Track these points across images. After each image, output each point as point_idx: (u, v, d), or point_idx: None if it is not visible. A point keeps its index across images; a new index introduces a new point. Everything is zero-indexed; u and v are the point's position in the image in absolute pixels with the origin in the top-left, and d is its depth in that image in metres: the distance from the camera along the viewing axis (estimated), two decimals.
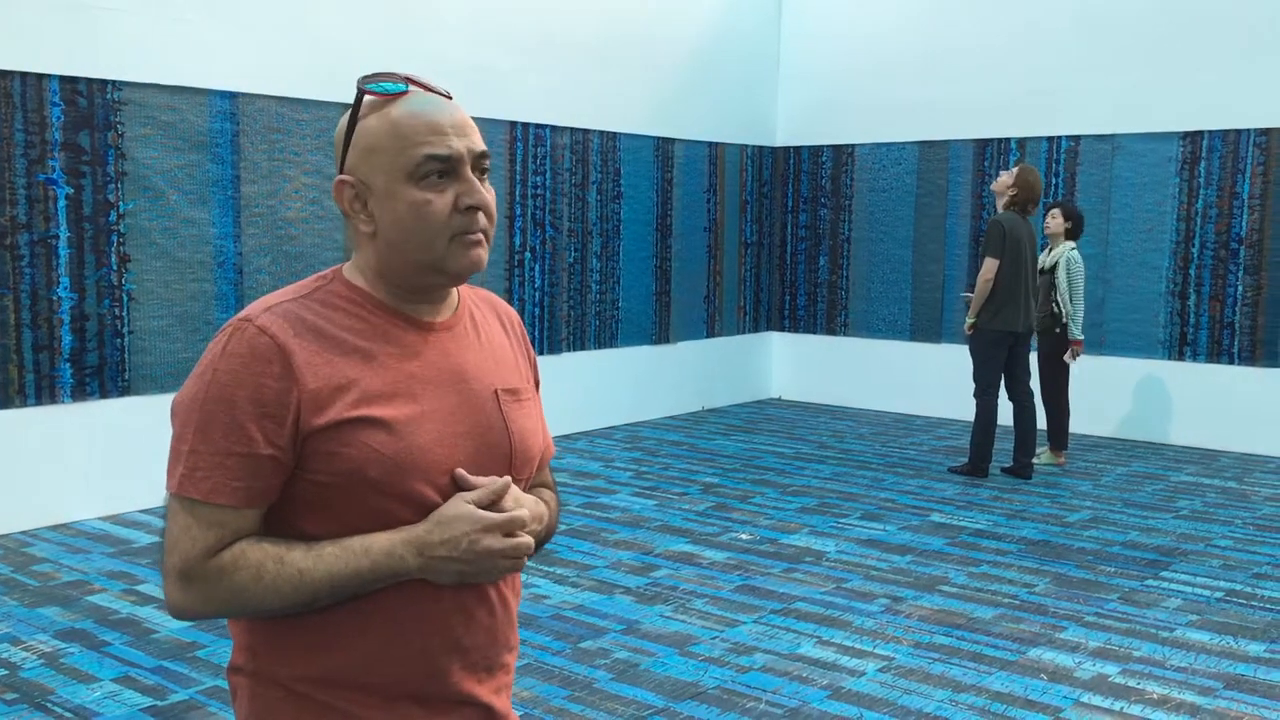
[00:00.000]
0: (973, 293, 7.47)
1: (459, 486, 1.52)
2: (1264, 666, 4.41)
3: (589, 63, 8.86)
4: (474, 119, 1.60)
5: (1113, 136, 8.98)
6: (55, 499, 6.13)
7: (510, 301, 7.87)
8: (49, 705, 3.93)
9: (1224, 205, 8.57)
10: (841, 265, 10.49)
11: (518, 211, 8.45)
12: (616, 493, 7.06)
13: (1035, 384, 7.75)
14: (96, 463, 6.26)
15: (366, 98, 1.54)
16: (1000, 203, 7.45)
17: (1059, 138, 9.22)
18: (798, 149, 10.70)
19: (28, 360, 5.99)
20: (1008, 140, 9.47)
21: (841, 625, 4.80)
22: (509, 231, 8.39)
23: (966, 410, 7.98)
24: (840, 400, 10.52)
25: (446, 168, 1.50)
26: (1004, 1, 9.44)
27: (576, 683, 4.16)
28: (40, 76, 5.95)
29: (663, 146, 9.56)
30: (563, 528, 6.06)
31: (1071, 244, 7.77)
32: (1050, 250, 7.81)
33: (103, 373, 6.27)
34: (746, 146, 10.50)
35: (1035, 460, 7.78)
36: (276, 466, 1.44)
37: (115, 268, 6.28)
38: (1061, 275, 7.65)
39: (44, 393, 6.06)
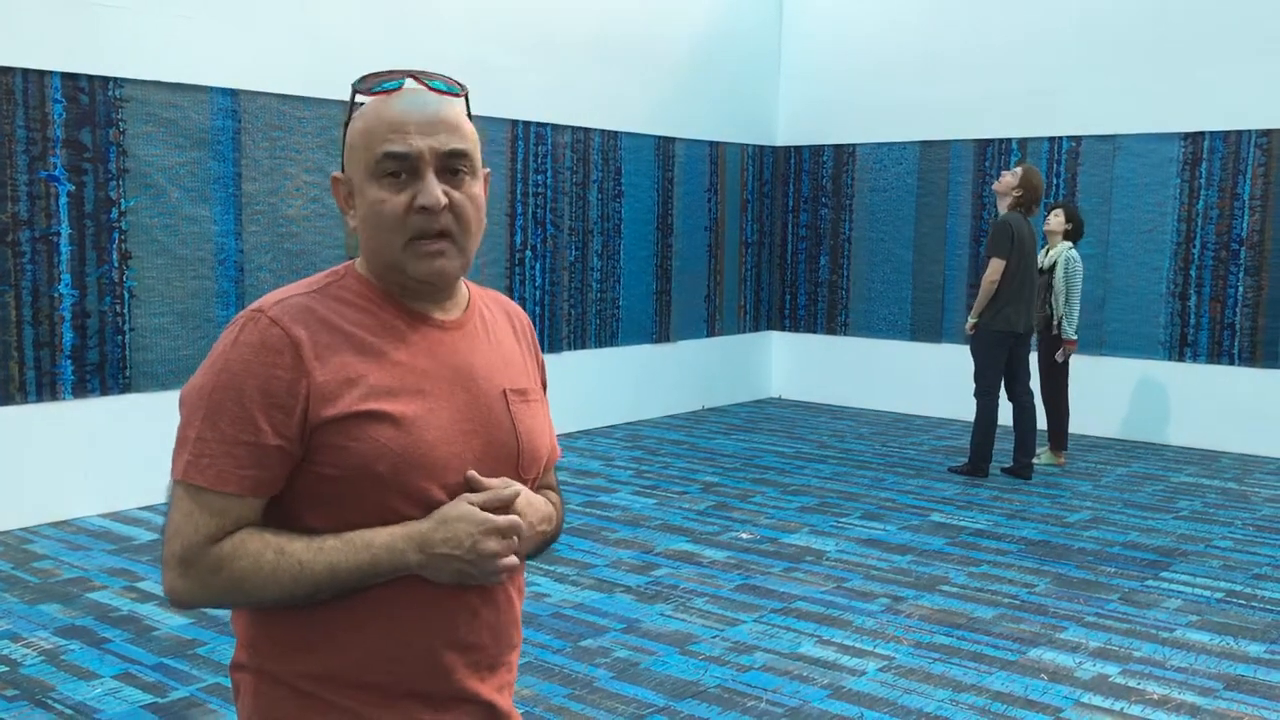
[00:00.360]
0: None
1: (470, 487, 1.53)
2: (1264, 667, 4.42)
3: (590, 61, 8.86)
4: (474, 117, 1.59)
5: (1114, 137, 8.98)
6: (56, 496, 6.13)
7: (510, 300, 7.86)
8: (49, 702, 3.93)
9: (1225, 206, 8.57)
10: (842, 265, 10.50)
11: (518, 210, 8.45)
12: (617, 491, 7.06)
13: (1035, 384, 7.76)
14: (97, 460, 6.26)
15: (368, 96, 1.55)
16: (1005, 203, 7.44)
17: (1060, 138, 9.22)
18: (798, 148, 10.70)
19: (29, 357, 5.99)
20: (1009, 140, 9.47)
21: (842, 625, 4.80)
22: (509, 230, 8.39)
23: (966, 410, 7.98)
24: (840, 400, 10.52)
25: (405, 167, 1.49)
26: (1005, 2, 9.44)
27: (577, 681, 4.16)
28: (42, 73, 5.95)
29: (664, 145, 9.56)
30: (564, 527, 6.05)
31: (1069, 244, 7.78)
32: (1048, 250, 7.82)
33: (104, 370, 6.27)
34: (747, 146, 10.50)
35: (1035, 460, 7.79)
36: (283, 457, 1.44)
37: (116, 265, 6.28)
38: (1059, 275, 7.65)
39: (45, 390, 6.06)
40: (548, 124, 8.58)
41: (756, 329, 10.84)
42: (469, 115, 1.60)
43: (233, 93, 6.69)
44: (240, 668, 1.57)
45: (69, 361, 6.14)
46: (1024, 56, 9.35)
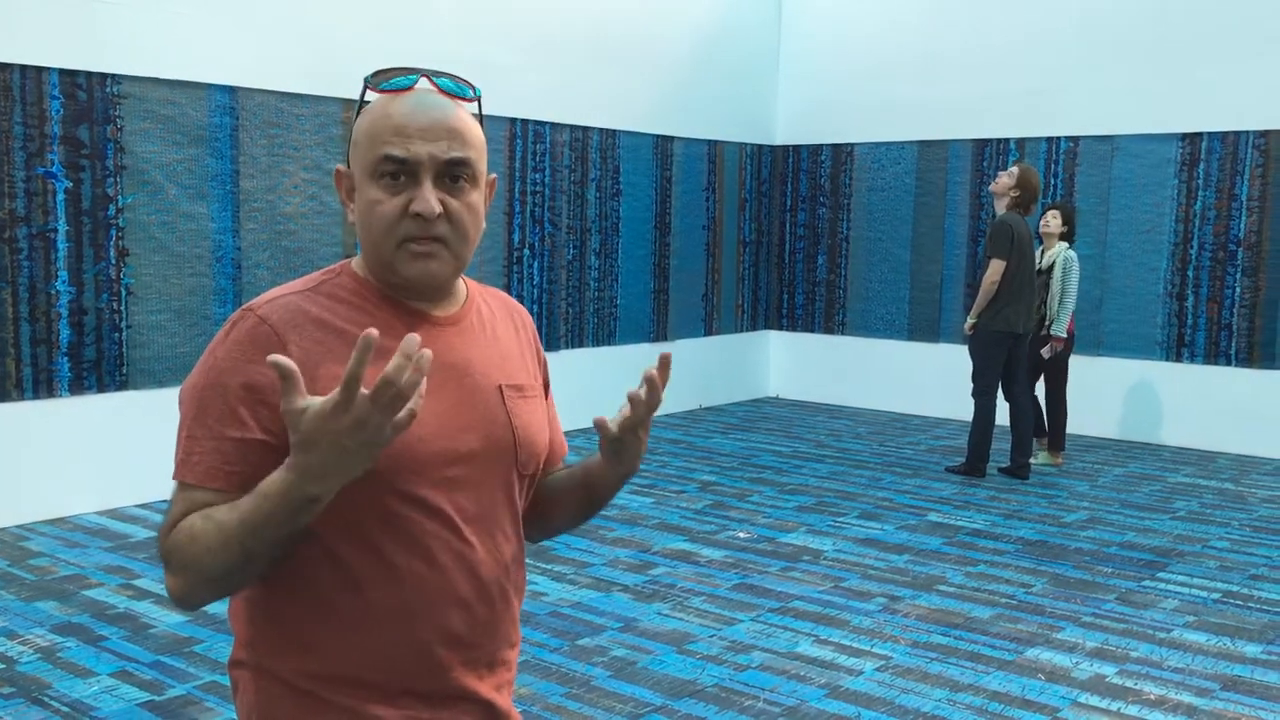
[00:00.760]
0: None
1: (459, 482, 1.52)
2: (1260, 667, 4.42)
3: (589, 60, 8.86)
4: (474, 117, 1.58)
5: (1112, 137, 8.98)
6: (53, 493, 6.12)
7: None
8: (46, 699, 3.93)
9: (1222, 207, 8.57)
10: (840, 264, 10.49)
11: (516, 208, 8.44)
12: None
13: (1040, 388, 7.77)
14: (94, 457, 6.25)
15: (378, 93, 1.54)
16: (1002, 204, 7.43)
17: (1058, 138, 9.22)
18: (797, 148, 10.70)
19: (25, 354, 5.99)
20: (1007, 140, 9.47)
21: (839, 624, 4.80)
22: (507, 228, 8.38)
23: (964, 410, 7.98)
24: (838, 399, 10.52)
25: (404, 170, 1.48)
26: (1004, 2, 9.44)
27: (574, 680, 4.16)
28: (40, 69, 5.94)
29: (662, 144, 9.55)
30: None
31: (1065, 245, 7.78)
32: (1044, 251, 7.82)
33: (100, 367, 6.26)
34: (745, 145, 10.49)
35: (1032, 460, 7.79)
36: (270, 452, 1.43)
37: (114, 262, 6.27)
38: (1057, 275, 7.66)
39: (42, 387, 6.05)
40: (546, 122, 8.58)
41: (754, 328, 10.83)
42: (481, 119, 1.58)
43: (231, 90, 6.68)
44: (238, 665, 1.57)
45: (66, 358, 6.13)
46: (1022, 57, 9.35)
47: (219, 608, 4.29)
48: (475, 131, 1.54)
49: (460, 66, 8.39)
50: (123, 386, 6.35)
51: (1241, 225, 8.51)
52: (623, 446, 1.62)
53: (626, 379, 10.17)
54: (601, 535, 6.04)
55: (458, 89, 1.56)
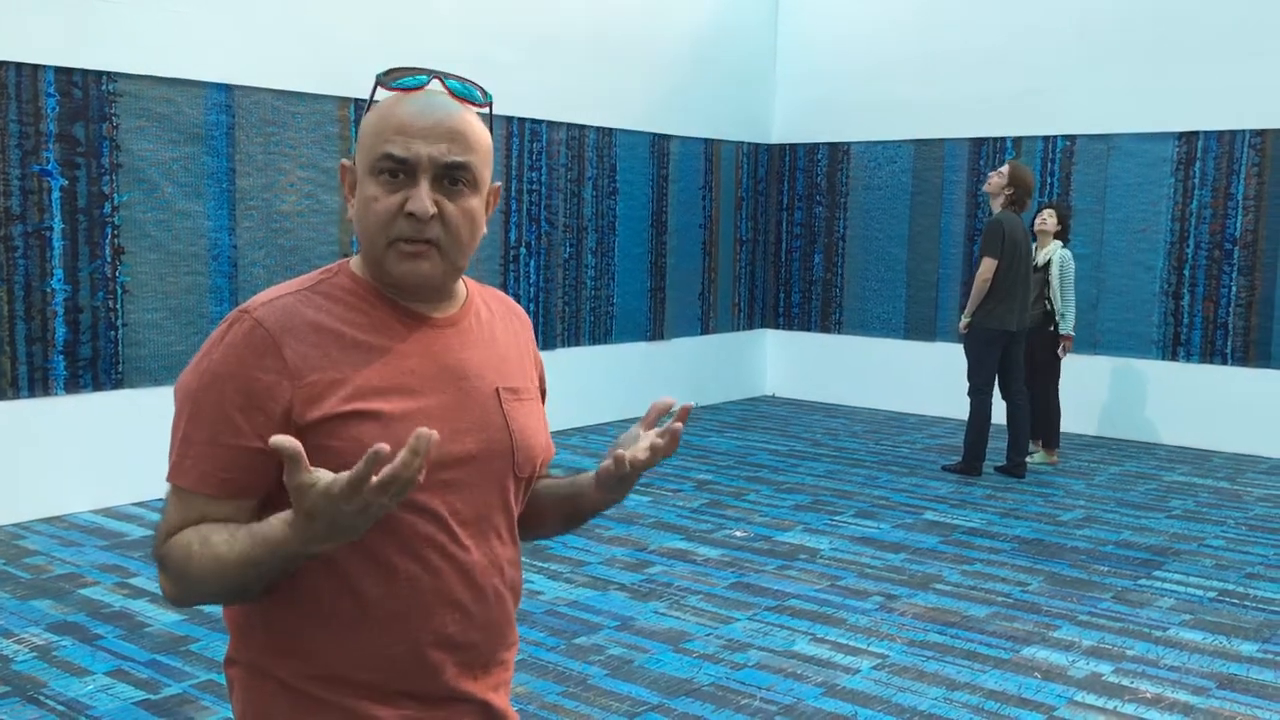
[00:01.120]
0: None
1: (455, 485, 1.52)
2: (1256, 666, 4.42)
3: (586, 58, 8.85)
4: None
5: (1108, 136, 8.99)
6: (48, 492, 6.11)
7: None
8: (41, 698, 3.92)
9: (1219, 206, 8.58)
10: (836, 263, 10.50)
11: (513, 207, 8.44)
12: None
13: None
14: (89, 455, 6.24)
15: (388, 91, 1.54)
16: (997, 202, 7.44)
17: (1054, 137, 9.23)
18: (793, 146, 10.70)
19: (20, 352, 5.97)
20: (1003, 139, 9.48)
21: (836, 623, 4.80)
22: (504, 227, 8.38)
23: (960, 408, 7.99)
24: (834, 398, 10.52)
25: (403, 169, 1.48)
26: (1000, 2, 9.44)
27: (571, 679, 4.16)
28: (35, 67, 5.93)
29: (659, 143, 9.55)
30: None
31: (1060, 243, 7.79)
32: (1040, 248, 7.83)
33: (96, 365, 6.25)
34: (742, 144, 10.49)
35: (1028, 459, 7.79)
36: (265, 459, 1.42)
37: (109, 260, 6.26)
38: (1055, 273, 7.67)
39: (37, 385, 6.04)
40: (543, 121, 8.57)
41: (750, 327, 10.84)
42: (491, 124, 1.57)
43: (227, 88, 6.67)
44: (233, 663, 1.56)
45: (61, 357, 6.12)
46: (1018, 56, 9.35)
47: (215, 607, 4.29)
48: (480, 136, 1.52)
49: (458, 65, 8.37)
50: (118, 385, 6.34)
51: (1237, 224, 8.52)
52: (624, 482, 1.64)
53: (623, 377, 10.12)
54: (598, 534, 6.04)
55: (467, 92, 1.55)
